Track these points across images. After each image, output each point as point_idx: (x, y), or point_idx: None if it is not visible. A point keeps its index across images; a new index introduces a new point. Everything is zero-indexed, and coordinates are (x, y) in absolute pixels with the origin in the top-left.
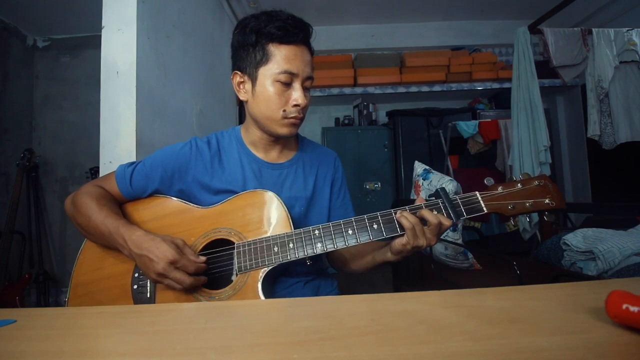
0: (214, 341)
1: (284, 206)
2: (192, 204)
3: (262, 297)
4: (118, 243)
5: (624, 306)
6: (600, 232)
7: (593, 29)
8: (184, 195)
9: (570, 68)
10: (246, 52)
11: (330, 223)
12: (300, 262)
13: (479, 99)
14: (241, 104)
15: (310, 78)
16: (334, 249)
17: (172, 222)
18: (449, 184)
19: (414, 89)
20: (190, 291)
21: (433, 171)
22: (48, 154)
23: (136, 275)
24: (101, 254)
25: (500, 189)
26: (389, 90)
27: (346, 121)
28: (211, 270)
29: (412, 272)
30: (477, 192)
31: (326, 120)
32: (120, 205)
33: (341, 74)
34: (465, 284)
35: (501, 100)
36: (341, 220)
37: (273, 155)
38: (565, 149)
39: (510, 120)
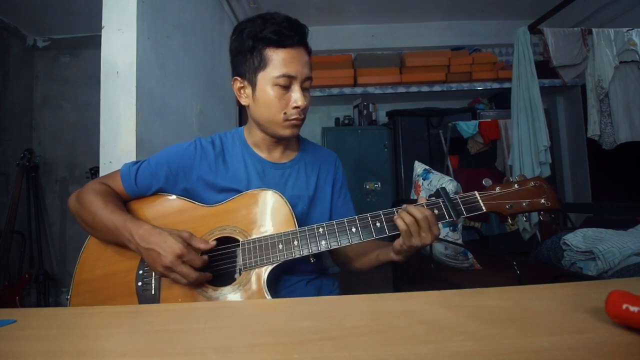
0: (214, 341)
1: (288, 205)
2: (196, 202)
3: (267, 295)
4: (125, 238)
5: (624, 306)
6: (600, 232)
7: (593, 29)
8: (189, 194)
9: (570, 68)
10: (244, 58)
11: (334, 221)
12: (303, 260)
13: (479, 99)
14: (241, 105)
15: (309, 79)
16: (338, 247)
17: (176, 220)
18: (449, 184)
19: (414, 89)
20: (195, 287)
21: (433, 171)
22: (48, 154)
23: (140, 272)
24: (104, 251)
25: (498, 189)
26: (389, 90)
27: (346, 121)
28: (216, 267)
29: (412, 272)
30: (475, 192)
31: (326, 120)
32: (124, 203)
33: (341, 74)
34: (465, 284)
35: (501, 100)
36: (345, 219)
37: (276, 155)
38: (565, 149)
39: (510, 120)
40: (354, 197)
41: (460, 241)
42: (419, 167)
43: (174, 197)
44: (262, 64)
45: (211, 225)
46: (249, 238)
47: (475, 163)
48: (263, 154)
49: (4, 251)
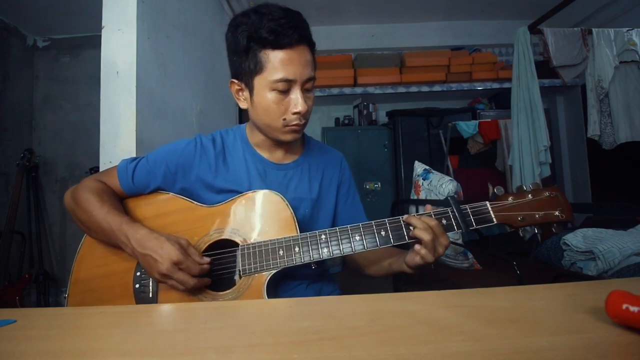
0: (214, 341)
1: (290, 208)
2: (195, 202)
3: (264, 299)
4: (120, 241)
5: (624, 306)
6: (600, 232)
7: (593, 29)
8: (187, 194)
9: (570, 68)
10: (240, 59)
11: (337, 228)
12: (304, 265)
13: (479, 99)
14: None
15: (311, 79)
16: (340, 255)
17: (175, 220)
18: (449, 184)
19: (414, 89)
20: (194, 292)
21: (433, 171)
22: (48, 154)
23: (138, 273)
24: (102, 251)
25: (510, 199)
26: (389, 90)
27: (346, 121)
28: (215, 271)
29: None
30: (487, 202)
31: (326, 120)
32: (121, 201)
33: (341, 74)
34: (465, 284)
35: (501, 100)
36: (348, 226)
37: (278, 156)
38: (565, 149)
39: (510, 120)
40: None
41: (460, 241)
42: (419, 167)
43: (172, 196)
44: (259, 67)
45: (209, 227)
46: (249, 241)
47: (475, 163)
48: (265, 154)
49: (4, 251)
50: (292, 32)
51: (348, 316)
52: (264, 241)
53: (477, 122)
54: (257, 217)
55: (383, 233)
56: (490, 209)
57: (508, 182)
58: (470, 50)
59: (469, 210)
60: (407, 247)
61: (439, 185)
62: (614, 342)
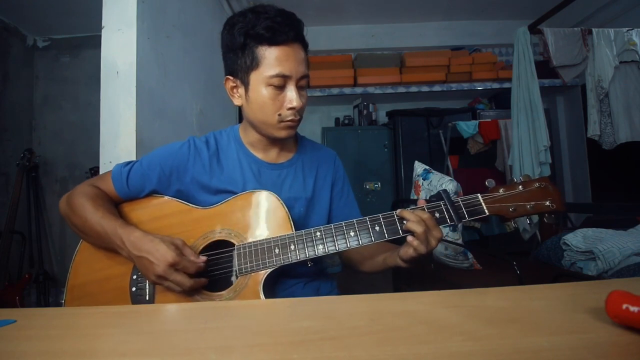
0: (214, 341)
1: (285, 207)
2: (191, 205)
3: (263, 299)
4: (115, 244)
5: (624, 306)
6: (600, 232)
7: (593, 29)
8: (182, 196)
9: (570, 68)
10: (236, 56)
11: (331, 225)
12: (301, 263)
13: (479, 99)
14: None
15: (305, 77)
16: (335, 251)
17: (170, 223)
18: (449, 184)
19: (414, 89)
20: (191, 293)
21: (433, 171)
22: (48, 154)
23: (134, 277)
24: (98, 255)
25: (501, 191)
26: (389, 90)
27: (346, 121)
28: (211, 272)
29: (412, 272)
30: (478, 194)
31: (326, 120)
32: (116, 205)
33: (341, 74)
34: (465, 284)
35: (501, 100)
36: (343, 222)
37: (272, 155)
38: (565, 149)
39: (510, 120)
40: (355, 197)
41: (460, 241)
42: (419, 167)
43: (167, 198)
44: (255, 63)
45: (206, 228)
46: (245, 241)
47: (475, 163)
48: (259, 154)
49: (4, 251)
50: (287, 29)
51: (347, 316)
52: (260, 240)
53: (477, 122)
54: (253, 218)
55: (377, 228)
56: (481, 200)
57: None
58: (470, 50)
59: (461, 202)
60: (401, 242)
61: (439, 185)
62: (614, 342)
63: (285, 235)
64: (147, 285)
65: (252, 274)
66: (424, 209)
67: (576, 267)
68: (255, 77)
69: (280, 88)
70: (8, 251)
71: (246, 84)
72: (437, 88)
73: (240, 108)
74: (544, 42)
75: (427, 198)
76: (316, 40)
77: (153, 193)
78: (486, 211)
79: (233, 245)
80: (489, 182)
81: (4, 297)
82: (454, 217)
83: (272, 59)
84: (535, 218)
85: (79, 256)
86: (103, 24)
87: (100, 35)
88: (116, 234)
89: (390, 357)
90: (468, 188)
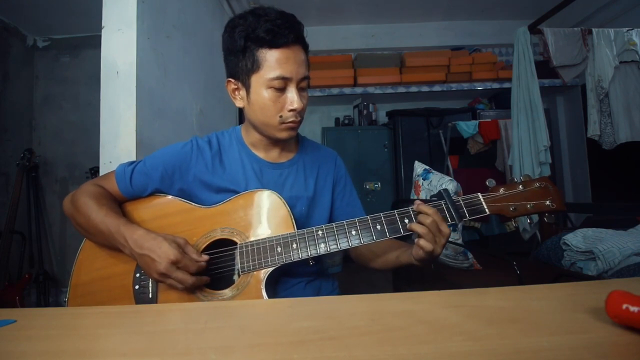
0: (214, 341)
1: (287, 206)
2: (193, 204)
3: (265, 297)
4: (118, 242)
5: (624, 306)
6: (600, 232)
7: (593, 29)
8: (185, 195)
9: (570, 68)
10: (237, 59)
11: (333, 224)
12: (302, 262)
13: (479, 99)
14: None
15: (305, 78)
16: (337, 250)
17: (173, 222)
18: (449, 184)
19: (414, 89)
20: (193, 291)
21: (433, 171)
22: (48, 154)
23: (137, 275)
24: (101, 254)
25: (502, 190)
26: (389, 90)
27: (346, 121)
28: (214, 270)
29: (412, 272)
30: (479, 193)
31: (326, 120)
32: (120, 204)
33: (341, 74)
34: (465, 284)
35: (501, 100)
36: (344, 221)
37: (274, 155)
38: (565, 149)
39: (510, 120)
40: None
41: (460, 241)
42: (419, 167)
43: (170, 198)
44: (256, 66)
45: (208, 227)
46: (247, 240)
47: (475, 163)
48: (260, 154)
49: (4, 251)
50: (288, 32)
51: (348, 316)
52: (262, 239)
53: (477, 122)
54: (255, 216)
55: (379, 227)
56: (482, 200)
57: None
58: (470, 50)
59: (461, 201)
60: (403, 239)
61: (439, 185)
62: (614, 342)
63: (287, 234)
64: (150, 283)
65: (254, 272)
66: (431, 209)
67: (576, 267)
68: (256, 80)
69: (281, 90)
70: (8, 251)
71: (247, 87)
72: (437, 88)
73: (241, 109)
74: (544, 42)
75: (428, 198)
76: (316, 40)
77: (156, 192)
78: (487, 210)
79: (235, 243)
80: (490, 182)
81: (4, 297)
82: (454, 216)
83: (272, 62)
84: (536, 218)
85: (82, 255)
86: (103, 24)
87: (100, 35)
88: (119, 232)
89: (390, 357)
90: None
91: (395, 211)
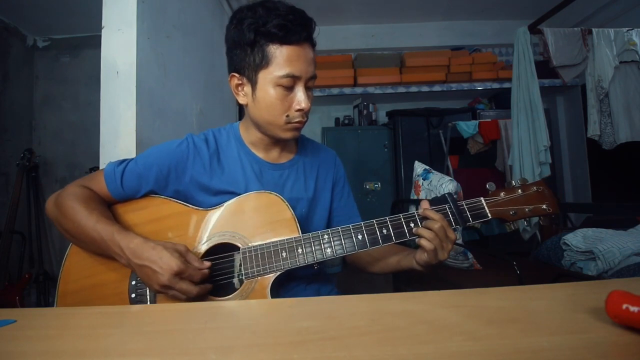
0: (214, 341)
1: (290, 209)
2: (190, 206)
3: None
4: (113, 251)
5: (624, 306)
6: (600, 232)
7: (593, 29)
8: (180, 196)
9: (570, 68)
10: (244, 53)
11: (339, 228)
12: (307, 266)
13: (479, 99)
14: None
15: (313, 77)
16: (343, 254)
17: (169, 225)
18: (449, 184)
19: (414, 89)
20: (196, 300)
21: (433, 171)
22: (48, 154)
23: (133, 282)
24: (90, 260)
25: (502, 194)
26: (389, 90)
27: (346, 121)
28: (215, 276)
29: (412, 272)
30: (481, 198)
31: (326, 120)
32: (109, 207)
33: (341, 74)
34: (465, 284)
35: (501, 100)
36: (350, 225)
37: (273, 155)
38: (565, 149)
39: (510, 120)
40: (354, 197)
41: (460, 241)
42: (419, 167)
43: (165, 199)
44: (265, 62)
45: (207, 231)
46: (249, 244)
47: (475, 163)
48: (260, 154)
49: (4, 251)
50: (300, 29)
51: (348, 316)
52: (266, 243)
53: (477, 122)
54: (257, 219)
55: (385, 231)
56: (485, 204)
57: None
58: (470, 50)
59: (465, 206)
60: (407, 244)
61: (439, 185)
62: (614, 342)
63: (292, 238)
64: (148, 291)
65: (259, 278)
66: (437, 214)
67: (576, 267)
68: (264, 76)
69: (289, 89)
70: (8, 251)
71: (254, 83)
72: (437, 88)
73: (241, 109)
74: (544, 42)
75: (429, 199)
76: (316, 40)
77: (149, 194)
78: (489, 215)
79: (236, 248)
80: (490, 185)
81: (4, 297)
82: (459, 220)
83: (283, 59)
84: (535, 218)
85: (69, 261)
86: (103, 24)
87: (100, 35)
88: (113, 240)
89: (390, 357)
90: (468, 188)
91: (400, 215)
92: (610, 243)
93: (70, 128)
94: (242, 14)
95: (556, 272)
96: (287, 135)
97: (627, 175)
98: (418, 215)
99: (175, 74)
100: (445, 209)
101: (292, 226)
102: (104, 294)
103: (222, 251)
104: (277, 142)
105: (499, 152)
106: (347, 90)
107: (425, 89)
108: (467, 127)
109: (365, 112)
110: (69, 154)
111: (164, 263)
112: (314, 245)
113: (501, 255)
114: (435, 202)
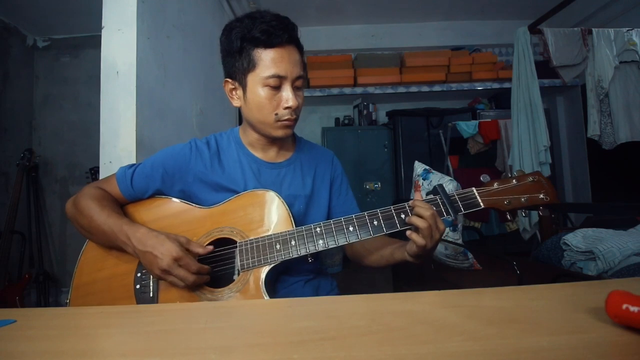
0: (214, 341)
1: (285, 205)
2: (193, 204)
3: (265, 295)
4: (121, 241)
5: (624, 306)
6: (600, 232)
7: (593, 29)
8: (185, 196)
9: (570, 68)
10: (233, 59)
11: (331, 220)
12: (301, 259)
13: (479, 99)
14: None
15: (300, 77)
16: (335, 246)
17: (173, 223)
18: (449, 184)
19: (414, 89)
20: (193, 289)
21: (433, 171)
22: (48, 154)
23: (139, 274)
24: (103, 255)
25: (496, 184)
26: (389, 90)
27: (346, 121)
28: (214, 268)
29: (412, 272)
30: (473, 187)
31: (326, 120)
32: (121, 206)
33: (341, 74)
34: (465, 284)
35: (501, 100)
36: (342, 218)
37: (271, 155)
38: (565, 149)
39: (510, 120)
40: (353, 194)
41: (460, 241)
42: (419, 167)
43: (170, 199)
44: (251, 65)
45: (208, 227)
46: (247, 239)
47: (475, 163)
48: (258, 154)
49: (4, 251)
50: (282, 32)
51: (348, 316)
52: (261, 237)
53: (477, 122)
54: (254, 216)
55: (375, 223)
56: (476, 194)
57: None
58: (470, 50)
59: (456, 196)
60: (401, 235)
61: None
62: (614, 342)
63: (285, 231)
64: (151, 282)
65: (254, 269)
66: (427, 204)
67: (576, 267)
68: (252, 79)
69: (277, 88)
70: (8, 251)
71: (244, 86)
72: (437, 88)
73: (239, 109)
74: (544, 42)
75: (425, 195)
76: (316, 40)
77: (157, 194)
78: (481, 204)
79: (236, 243)
80: (484, 177)
81: (4, 297)
82: (450, 210)
83: (267, 61)
84: (535, 217)
85: (85, 256)
86: (103, 24)
87: (100, 35)
88: (122, 230)
89: (390, 357)
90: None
91: (391, 207)
92: (610, 243)
93: (70, 128)
94: (230, 25)
95: (556, 272)
96: (279, 133)
97: (627, 175)
98: (409, 206)
99: (175, 74)
100: (436, 200)
101: (287, 222)
102: (112, 285)
103: (221, 246)
104: (273, 141)
105: (499, 152)
106: (347, 90)
107: (425, 89)
108: (467, 127)
109: (365, 112)
110: (69, 154)
111: (165, 249)
112: (306, 238)
113: (501, 255)
114: (427, 194)
